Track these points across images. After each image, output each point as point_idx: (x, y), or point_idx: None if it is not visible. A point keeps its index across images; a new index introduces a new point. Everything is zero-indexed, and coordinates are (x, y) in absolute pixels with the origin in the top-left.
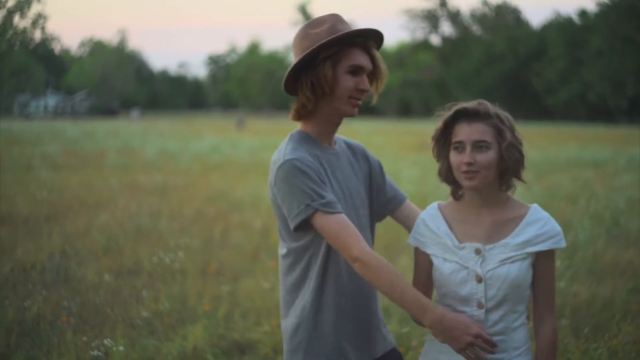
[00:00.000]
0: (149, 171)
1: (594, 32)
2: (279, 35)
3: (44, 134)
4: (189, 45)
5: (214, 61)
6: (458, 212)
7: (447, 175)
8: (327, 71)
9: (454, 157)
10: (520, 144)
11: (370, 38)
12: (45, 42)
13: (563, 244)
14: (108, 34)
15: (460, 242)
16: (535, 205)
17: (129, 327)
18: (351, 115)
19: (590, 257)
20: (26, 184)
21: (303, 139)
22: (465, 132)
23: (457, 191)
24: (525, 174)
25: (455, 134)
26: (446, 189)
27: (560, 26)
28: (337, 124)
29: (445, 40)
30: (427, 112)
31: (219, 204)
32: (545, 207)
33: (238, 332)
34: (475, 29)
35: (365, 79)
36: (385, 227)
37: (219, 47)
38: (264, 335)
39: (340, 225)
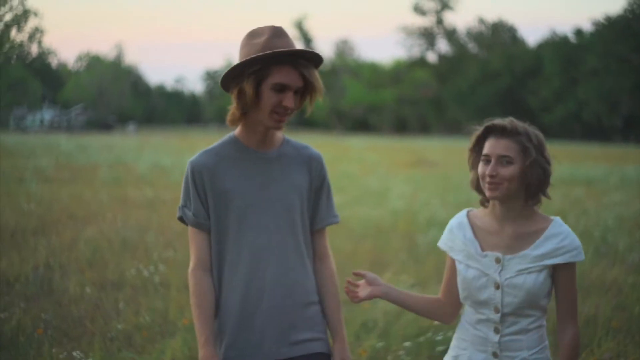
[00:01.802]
0: (140, 185)
1: (589, 51)
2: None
3: (38, 148)
4: (185, 60)
5: (211, 76)
6: (483, 221)
7: (477, 184)
8: (249, 87)
9: (481, 168)
10: (548, 162)
11: (302, 57)
12: (42, 56)
13: (581, 258)
14: (105, 49)
15: (483, 250)
16: (557, 219)
17: (107, 340)
18: (275, 129)
19: (578, 274)
20: (16, 196)
21: (227, 142)
22: (492, 146)
23: (485, 200)
24: None
25: (485, 148)
26: (435, 205)
27: (556, 45)
28: (264, 134)
29: (442, 57)
30: (422, 129)
31: None
32: None
33: None
34: (472, 46)
35: (290, 96)
36: (372, 243)
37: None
38: None
39: (190, 237)
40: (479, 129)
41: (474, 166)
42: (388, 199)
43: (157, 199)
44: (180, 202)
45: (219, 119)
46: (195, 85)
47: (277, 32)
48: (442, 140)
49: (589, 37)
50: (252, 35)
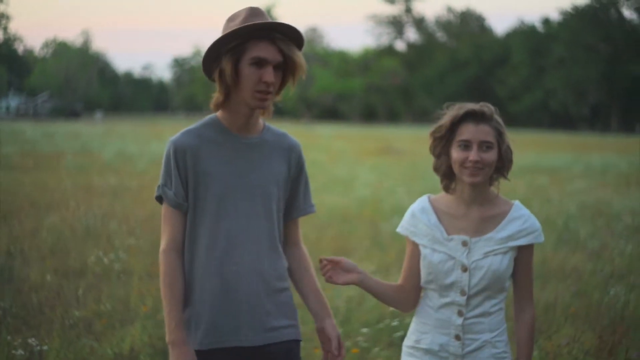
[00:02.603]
0: (105, 173)
1: (556, 40)
2: None
3: (3, 135)
4: (153, 47)
5: (179, 64)
6: (448, 206)
7: (447, 170)
8: (227, 65)
9: (458, 154)
10: (511, 145)
11: (279, 31)
12: (8, 42)
13: (541, 239)
14: (72, 35)
15: (448, 234)
16: (517, 202)
17: (66, 327)
18: (260, 108)
19: (540, 261)
20: None
21: (209, 123)
22: (472, 131)
23: (449, 185)
24: None
25: (460, 133)
26: (400, 193)
27: (523, 34)
28: (249, 116)
29: (410, 46)
30: (391, 117)
31: None
32: None
33: None
34: (440, 35)
35: (269, 70)
36: (336, 230)
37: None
38: None
39: (165, 217)
40: (452, 114)
41: (444, 152)
42: (354, 187)
43: (122, 186)
44: (160, 181)
45: (187, 107)
46: (163, 72)
47: (254, 12)
48: (410, 128)
49: (556, 27)
50: (230, 19)
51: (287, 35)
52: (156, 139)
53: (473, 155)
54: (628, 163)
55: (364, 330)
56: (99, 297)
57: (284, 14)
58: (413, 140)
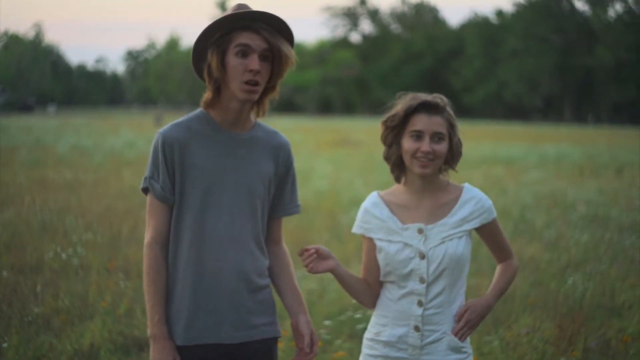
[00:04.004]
0: (60, 167)
1: (510, 32)
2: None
3: None
4: (107, 40)
5: (133, 57)
6: (399, 198)
7: (397, 160)
8: (213, 57)
9: (410, 144)
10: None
11: (263, 21)
12: None
13: (493, 215)
14: (24, 28)
15: (403, 224)
16: (466, 185)
17: (25, 323)
18: (249, 100)
19: None
20: None
21: (199, 116)
22: (425, 122)
23: (400, 176)
24: None
25: (413, 123)
26: (358, 185)
27: (477, 26)
28: (239, 111)
29: (365, 38)
30: (347, 109)
31: (129, 200)
32: None
33: (139, 329)
34: (395, 27)
35: (254, 58)
36: (295, 223)
37: (138, 42)
38: None
39: (150, 209)
40: (406, 104)
41: (395, 141)
42: (312, 179)
43: (77, 181)
44: (147, 173)
45: (142, 100)
46: (116, 65)
47: (240, 5)
48: (366, 120)
49: (509, 18)
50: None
51: (274, 27)
52: (111, 132)
53: (425, 146)
54: (582, 153)
55: (327, 322)
56: (57, 293)
57: None
58: (369, 132)
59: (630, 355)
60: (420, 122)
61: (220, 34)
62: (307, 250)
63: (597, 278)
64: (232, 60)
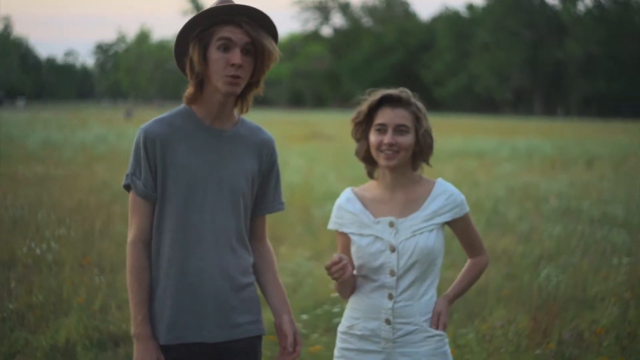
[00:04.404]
0: (31, 162)
1: (480, 25)
2: (169, 24)
3: None
4: (77, 33)
5: (103, 50)
6: (372, 193)
7: (366, 155)
8: (195, 52)
9: (375, 138)
10: (431, 131)
11: (245, 14)
12: None
13: (465, 210)
14: None
15: (375, 217)
16: (439, 179)
17: None
18: (231, 93)
19: None
20: None
21: (182, 112)
22: (388, 116)
23: (372, 171)
24: None
25: (377, 117)
26: (331, 179)
27: (448, 19)
28: (223, 104)
29: (336, 31)
30: (318, 103)
31: (101, 195)
32: None
33: (114, 324)
34: (366, 20)
35: (236, 52)
36: (268, 217)
37: (108, 36)
38: None
39: (132, 207)
40: (370, 99)
41: (363, 136)
42: (285, 173)
43: (48, 175)
44: (129, 170)
45: (112, 94)
46: (86, 59)
47: (221, 1)
48: (337, 114)
49: (480, 12)
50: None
51: (257, 22)
52: (81, 127)
53: (387, 138)
54: (552, 146)
55: (304, 317)
56: (31, 289)
57: (208, 0)
58: (341, 126)
59: (604, 347)
60: (384, 115)
61: (202, 28)
62: (335, 264)
63: (569, 270)
64: (214, 54)
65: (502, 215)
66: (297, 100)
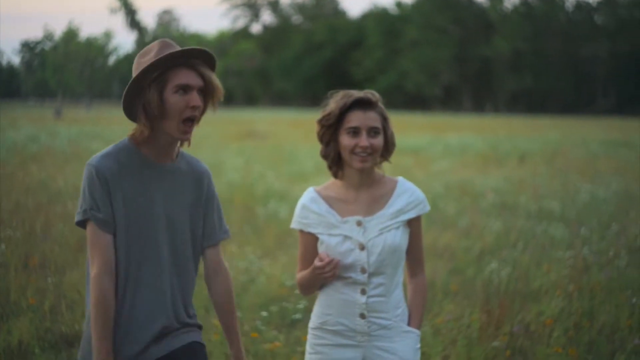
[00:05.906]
0: None
1: (409, 22)
2: (97, 22)
3: None
4: (1, 31)
5: (30, 48)
6: (337, 192)
7: (334, 157)
8: (152, 95)
9: (348, 141)
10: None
11: (196, 56)
12: None
13: (427, 208)
14: None
15: (342, 217)
16: (401, 178)
17: None
18: (183, 140)
19: None
20: None
21: (127, 148)
22: (360, 118)
23: (338, 172)
24: None
25: (348, 120)
26: (270, 177)
27: (377, 17)
28: (169, 145)
29: (266, 29)
30: (249, 101)
31: (39, 196)
32: None
33: (65, 325)
34: (296, 18)
35: (194, 95)
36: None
37: (34, 33)
38: None
39: (93, 241)
40: (339, 102)
41: (332, 139)
42: (223, 172)
43: None
44: (84, 206)
45: (39, 93)
46: (11, 57)
47: (165, 44)
48: (269, 111)
49: (409, 9)
50: (142, 54)
51: (204, 61)
52: (10, 126)
53: (363, 141)
54: (484, 142)
55: (264, 313)
56: None
57: None
58: (274, 124)
59: (555, 338)
60: (356, 118)
61: (158, 73)
62: (328, 263)
63: (512, 264)
64: (172, 97)
65: (442, 211)
66: (227, 98)
